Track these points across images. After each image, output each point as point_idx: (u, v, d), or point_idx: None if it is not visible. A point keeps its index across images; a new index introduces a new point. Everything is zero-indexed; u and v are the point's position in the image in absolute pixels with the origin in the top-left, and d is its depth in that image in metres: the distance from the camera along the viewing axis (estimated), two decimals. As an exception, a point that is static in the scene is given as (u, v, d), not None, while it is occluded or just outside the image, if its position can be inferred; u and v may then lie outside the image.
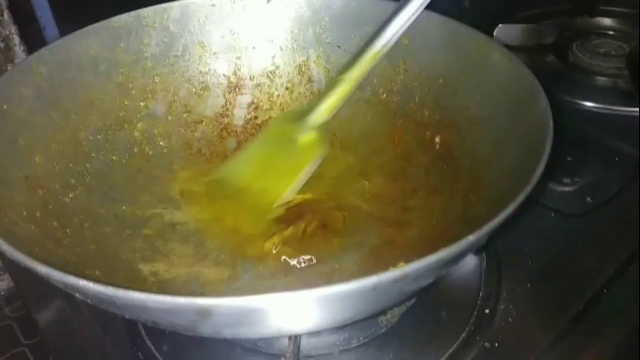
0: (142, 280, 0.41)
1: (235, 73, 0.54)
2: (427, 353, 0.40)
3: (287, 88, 0.54)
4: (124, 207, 0.45)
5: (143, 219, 0.46)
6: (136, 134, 0.49)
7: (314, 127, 0.47)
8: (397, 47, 0.47)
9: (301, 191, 0.49)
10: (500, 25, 0.68)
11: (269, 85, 0.54)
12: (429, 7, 0.44)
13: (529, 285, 0.44)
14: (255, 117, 0.54)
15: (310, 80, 0.54)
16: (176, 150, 0.51)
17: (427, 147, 0.48)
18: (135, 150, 0.49)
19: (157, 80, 0.51)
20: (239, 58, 0.54)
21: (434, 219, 0.43)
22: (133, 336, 0.43)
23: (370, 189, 0.49)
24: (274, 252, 0.44)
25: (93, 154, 0.46)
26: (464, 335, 0.41)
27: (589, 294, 0.43)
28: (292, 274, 0.42)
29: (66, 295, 0.45)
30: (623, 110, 0.61)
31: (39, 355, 0.55)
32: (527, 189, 0.30)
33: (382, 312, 0.42)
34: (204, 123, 0.53)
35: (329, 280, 0.41)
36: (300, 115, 0.48)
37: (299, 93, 0.54)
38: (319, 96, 0.48)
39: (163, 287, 0.40)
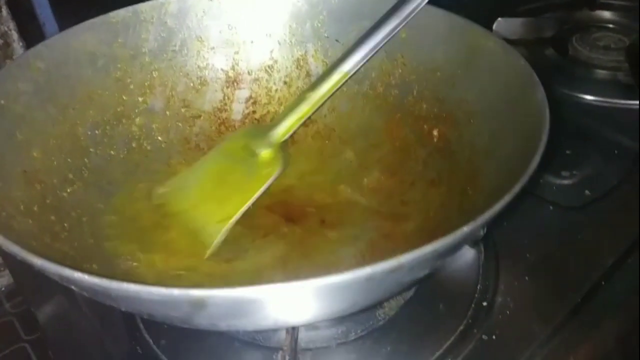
0: (140, 272, 0.41)
1: (233, 68, 0.54)
2: (425, 346, 0.40)
3: (285, 82, 0.54)
4: (122, 202, 0.45)
5: (140, 212, 0.46)
6: (134, 129, 0.49)
7: (274, 144, 0.47)
8: (396, 40, 0.47)
9: (300, 186, 0.49)
10: (499, 18, 0.68)
11: (267, 80, 0.54)
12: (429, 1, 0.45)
13: (526, 278, 0.44)
14: (254, 112, 0.54)
15: (308, 74, 0.54)
16: (174, 145, 0.51)
17: (425, 141, 0.48)
18: (134, 145, 0.49)
19: (155, 75, 0.51)
20: (237, 53, 0.53)
21: (431, 211, 0.43)
22: (131, 330, 0.43)
23: (369, 183, 0.49)
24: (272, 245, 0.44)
25: (91, 149, 0.46)
26: (461, 328, 0.41)
27: (587, 287, 0.43)
28: (290, 266, 0.42)
29: (65, 290, 0.45)
30: (623, 103, 0.61)
31: (39, 351, 0.56)
32: (523, 180, 0.30)
33: (380, 304, 0.42)
34: (202, 118, 0.53)
35: (326, 273, 0.41)
36: (261, 131, 0.48)
37: (297, 87, 0.54)
38: (282, 113, 0.49)
39: (161, 279, 0.40)
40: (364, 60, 0.46)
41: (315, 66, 0.54)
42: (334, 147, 0.52)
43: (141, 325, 0.43)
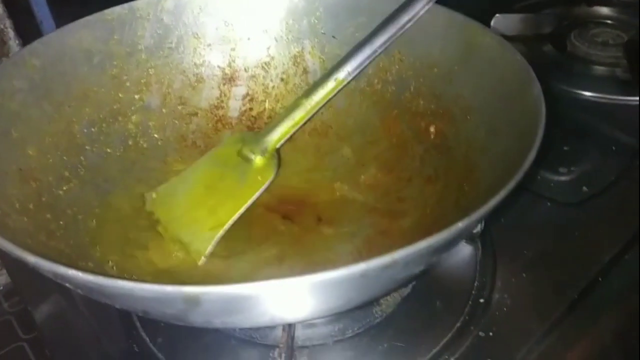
0: (137, 270, 0.41)
1: (230, 65, 0.53)
2: (422, 343, 0.40)
3: (282, 79, 0.54)
4: (118, 199, 0.45)
5: (137, 210, 0.46)
6: (130, 126, 0.49)
7: (268, 150, 0.47)
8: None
9: (297, 184, 0.49)
10: (497, 15, 0.68)
11: (264, 77, 0.54)
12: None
13: (524, 274, 0.44)
14: (251, 109, 0.54)
15: (305, 71, 0.54)
16: (171, 143, 0.51)
17: (422, 137, 0.48)
18: (130, 142, 0.49)
19: (151, 73, 0.51)
20: (233, 49, 0.53)
21: (428, 208, 0.43)
22: (128, 328, 0.43)
23: (366, 180, 0.49)
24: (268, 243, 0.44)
25: (87, 147, 0.46)
26: (458, 324, 0.41)
27: (584, 283, 0.43)
28: (287, 263, 0.42)
29: (62, 289, 0.45)
30: (621, 100, 0.61)
31: (37, 350, 0.56)
32: (518, 176, 0.30)
33: (376, 301, 0.42)
34: (198, 115, 0.53)
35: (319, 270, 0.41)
36: (256, 136, 0.48)
37: (294, 84, 0.54)
38: (277, 119, 0.48)
39: (158, 277, 0.40)
40: (360, 68, 0.46)
41: (312, 63, 0.53)
42: (330, 144, 0.52)
43: (138, 324, 0.43)
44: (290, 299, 0.28)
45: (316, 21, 0.52)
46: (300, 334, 0.41)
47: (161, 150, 0.50)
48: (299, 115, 0.47)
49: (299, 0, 0.52)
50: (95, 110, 0.47)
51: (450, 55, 0.46)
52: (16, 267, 0.50)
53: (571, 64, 0.67)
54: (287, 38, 0.53)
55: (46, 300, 0.47)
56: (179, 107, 0.52)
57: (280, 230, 0.45)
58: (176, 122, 0.52)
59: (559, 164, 0.53)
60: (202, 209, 0.45)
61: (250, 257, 0.43)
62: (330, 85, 0.46)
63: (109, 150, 0.47)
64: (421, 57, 0.48)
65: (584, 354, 0.40)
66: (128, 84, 0.50)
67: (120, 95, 0.49)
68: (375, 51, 0.46)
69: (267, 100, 0.54)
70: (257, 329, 0.41)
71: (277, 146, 0.48)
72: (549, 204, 0.50)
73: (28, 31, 0.62)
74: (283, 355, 0.37)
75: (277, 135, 0.47)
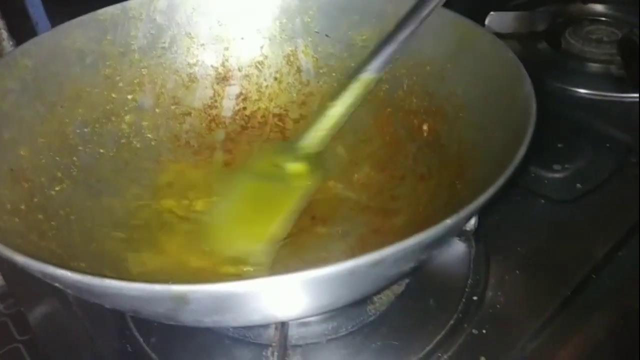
0: (129, 270, 0.41)
1: (223, 64, 0.53)
2: (415, 340, 0.40)
3: (275, 78, 0.54)
4: (111, 200, 0.45)
5: (130, 211, 0.46)
6: (124, 126, 0.49)
7: (301, 156, 0.47)
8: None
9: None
10: (492, 12, 0.68)
11: (257, 76, 0.54)
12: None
13: (517, 271, 0.44)
14: (244, 108, 0.54)
15: (299, 70, 0.54)
16: (164, 143, 0.51)
17: (415, 135, 0.48)
18: (123, 142, 0.49)
19: (144, 73, 0.51)
20: (227, 49, 0.53)
21: (421, 206, 0.43)
22: (122, 329, 0.43)
23: (359, 179, 0.49)
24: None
25: (80, 147, 0.46)
26: (451, 322, 0.41)
27: (578, 280, 0.43)
28: (279, 262, 0.42)
29: (56, 291, 0.45)
30: (615, 97, 0.61)
31: (33, 351, 0.56)
32: (507, 173, 0.30)
33: (370, 299, 0.42)
34: (192, 115, 0.52)
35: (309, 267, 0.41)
36: (288, 145, 0.48)
37: (288, 83, 0.54)
38: (309, 125, 0.48)
39: (149, 277, 0.40)
40: (387, 64, 0.45)
41: (306, 62, 0.53)
42: (324, 142, 0.52)
43: (131, 324, 0.43)
44: (279, 297, 0.28)
45: (309, 20, 0.52)
46: (293, 332, 0.41)
47: (154, 151, 0.50)
48: (328, 119, 0.47)
49: (292, -2, 0.52)
50: (88, 110, 0.47)
51: (443, 53, 0.46)
52: (9, 269, 0.49)
53: (566, 62, 0.67)
54: (281, 37, 0.53)
55: (40, 301, 0.47)
56: (173, 107, 0.52)
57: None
58: (170, 122, 0.52)
59: (553, 161, 0.53)
60: (249, 223, 0.45)
61: (242, 256, 0.43)
62: (356, 85, 0.46)
63: (102, 150, 0.47)
64: (414, 55, 0.48)
65: (577, 351, 0.40)
66: (121, 84, 0.49)
67: (113, 95, 0.49)
68: (399, 46, 0.44)
69: (260, 100, 0.54)
70: (250, 328, 0.41)
71: (310, 150, 0.47)
72: (542, 201, 0.50)
73: (23, 32, 0.62)
74: (276, 354, 0.37)
75: (307, 141, 0.47)
